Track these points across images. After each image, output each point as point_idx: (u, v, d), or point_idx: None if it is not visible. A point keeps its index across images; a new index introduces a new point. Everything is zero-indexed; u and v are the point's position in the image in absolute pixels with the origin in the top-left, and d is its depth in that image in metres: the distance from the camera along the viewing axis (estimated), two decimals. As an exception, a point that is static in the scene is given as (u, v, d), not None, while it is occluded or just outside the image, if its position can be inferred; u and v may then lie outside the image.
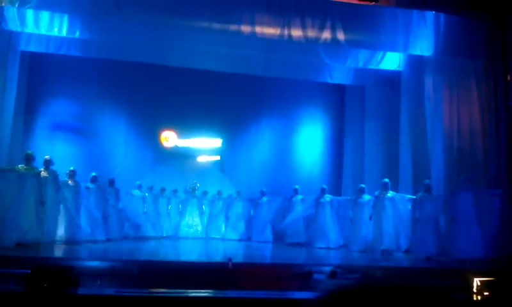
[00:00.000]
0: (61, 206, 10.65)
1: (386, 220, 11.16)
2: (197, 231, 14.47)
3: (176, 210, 14.66)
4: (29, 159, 10.13)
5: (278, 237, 13.67)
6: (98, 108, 15.42)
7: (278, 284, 7.16)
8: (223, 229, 14.60)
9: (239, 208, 14.60)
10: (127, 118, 15.65)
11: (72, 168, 11.32)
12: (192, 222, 14.52)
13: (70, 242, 10.74)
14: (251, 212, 14.31)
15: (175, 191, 14.81)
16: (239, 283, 6.99)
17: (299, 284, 7.46)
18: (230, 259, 7.97)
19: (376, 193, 11.48)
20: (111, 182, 12.68)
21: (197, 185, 15.42)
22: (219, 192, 14.94)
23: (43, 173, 10.40)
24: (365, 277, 7.96)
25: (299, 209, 13.34)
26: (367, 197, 11.91)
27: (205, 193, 15.06)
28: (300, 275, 7.85)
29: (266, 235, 14.01)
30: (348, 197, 13.18)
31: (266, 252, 11.91)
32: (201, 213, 14.75)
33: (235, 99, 15.67)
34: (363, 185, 12.39)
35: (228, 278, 7.24)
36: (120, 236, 12.62)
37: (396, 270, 9.00)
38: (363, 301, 2.93)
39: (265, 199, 14.18)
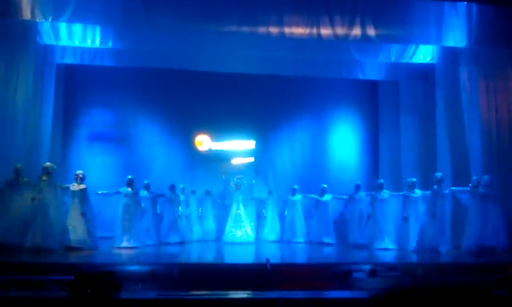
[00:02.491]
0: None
1: (444, 217, 11.04)
2: (247, 234, 13.97)
3: (210, 212, 14.66)
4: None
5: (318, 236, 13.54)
6: (133, 116, 15.58)
7: (317, 284, 7.12)
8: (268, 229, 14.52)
9: (272, 208, 14.57)
10: (161, 124, 15.68)
11: (129, 177, 11.99)
12: (240, 224, 14.10)
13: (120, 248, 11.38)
14: (286, 212, 14.26)
15: (208, 192, 14.72)
16: (278, 284, 6.98)
17: (338, 283, 7.40)
18: (267, 260, 7.96)
19: (435, 187, 11.28)
20: (146, 187, 12.81)
21: (242, 181, 15.06)
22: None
23: (77, 187, 11.19)
24: (405, 275, 7.84)
25: (328, 209, 13.42)
26: (418, 192, 11.68)
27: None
28: (339, 275, 7.79)
29: (300, 234, 13.92)
30: (396, 193, 12.44)
31: (309, 253, 11.86)
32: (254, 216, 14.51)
33: (267, 100, 15.57)
34: (413, 179, 12.06)
35: (267, 279, 7.24)
36: (159, 241, 12.82)
37: (436, 267, 8.84)
38: (414, 302, 2.94)
39: (299, 196, 14.10)
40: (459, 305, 2.92)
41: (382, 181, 12.72)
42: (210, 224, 14.56)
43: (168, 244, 12.81)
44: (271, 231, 14.48)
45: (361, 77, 14.87)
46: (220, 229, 14.41)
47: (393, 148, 15.11)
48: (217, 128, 15.57)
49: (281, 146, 16.20)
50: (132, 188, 12.10)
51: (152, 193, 12.83)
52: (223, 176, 15.34)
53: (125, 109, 15.51)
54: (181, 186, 14.08)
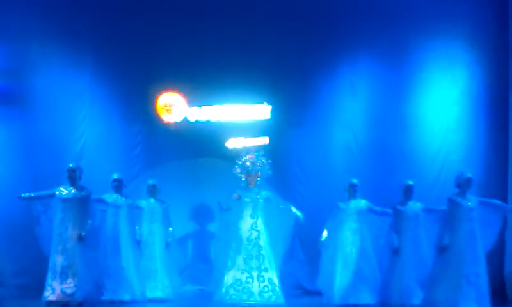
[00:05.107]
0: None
1: None
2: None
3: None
4: None
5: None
6: (38, 61, 8.57)
7: None
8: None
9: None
10: (94, 77, 8.69)
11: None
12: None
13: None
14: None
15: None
16: None
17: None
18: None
19: None
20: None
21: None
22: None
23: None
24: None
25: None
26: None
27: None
28: None
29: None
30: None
31: None
32: None
33: (291, 27, 8.58)
34: None
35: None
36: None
37: None
38: None
39: (362, 203, 7.16)
40: None
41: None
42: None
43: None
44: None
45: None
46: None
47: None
48: (201, 83, 8.59)
49: (320, 116, 8.79)
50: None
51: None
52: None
53: (25, 46, 8.50)
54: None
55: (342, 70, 8.71)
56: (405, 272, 6.86)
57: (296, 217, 6.89)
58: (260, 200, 6.94)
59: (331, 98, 8.72)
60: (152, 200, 7.52)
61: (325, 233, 7.00)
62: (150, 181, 7.57)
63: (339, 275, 6.83)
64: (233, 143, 8.51)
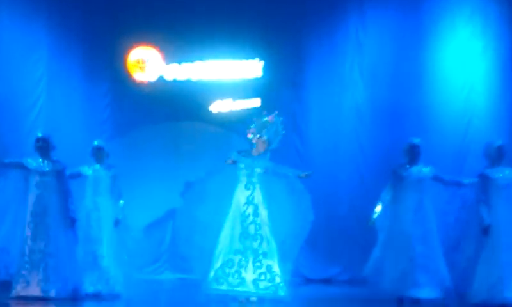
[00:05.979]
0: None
1: None
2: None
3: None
4: None
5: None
6: None
7: None
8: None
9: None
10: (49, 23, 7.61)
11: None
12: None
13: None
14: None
15: None
16: None
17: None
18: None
19: None
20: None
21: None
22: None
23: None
24: None
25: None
26: None
27: None
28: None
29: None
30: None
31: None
32: None
33: None
34: None
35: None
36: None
37: None
38: None
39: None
40: None
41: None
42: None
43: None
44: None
45: None
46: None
47: None
48: (180, 36, 7.71)
49: (321, 74, 7.78)
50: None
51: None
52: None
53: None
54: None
55: (346, 19, 7.70)
56: (497, 257, 5.49)
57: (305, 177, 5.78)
58: (257, 169, 5.76)
59: (333, 53, 7.69)
60: (97, 166, 6.07)
61: (379, 208, 5.79)
62: (95, 142, 6.22)
63: (393, 261, 5.60)
64: (218, 106, 7.58)
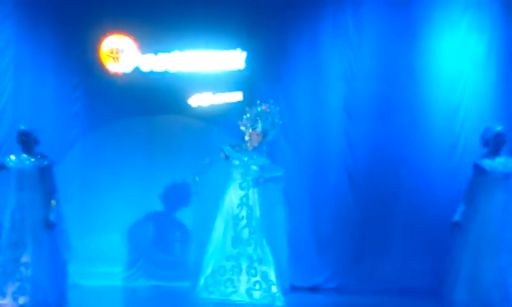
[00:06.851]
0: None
1: None
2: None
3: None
4: None
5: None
6: None
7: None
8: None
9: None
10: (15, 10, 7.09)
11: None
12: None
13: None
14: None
15: None
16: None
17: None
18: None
19: None
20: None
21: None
22: None
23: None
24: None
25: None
26: None
27: None
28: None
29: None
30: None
31: None
32: None
33: None
34: None
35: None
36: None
37: None
38: None
39: None
40: None
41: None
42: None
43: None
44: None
45: None
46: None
47: None
48: (158, 25, 7.19)
49: (307, 67, 7.32)
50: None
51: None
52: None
53: None
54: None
55: (335, 10, 7.19)
56: None
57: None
58: (253, 167, 5.36)
59: (321, 44, 7.20)
60: (23, 156, 5.23)
61: (462, 209, 5.11)
62: (22, 127, 5.36)
63: (470, 269, 4.85)
64: (198, 100, 7.10)
